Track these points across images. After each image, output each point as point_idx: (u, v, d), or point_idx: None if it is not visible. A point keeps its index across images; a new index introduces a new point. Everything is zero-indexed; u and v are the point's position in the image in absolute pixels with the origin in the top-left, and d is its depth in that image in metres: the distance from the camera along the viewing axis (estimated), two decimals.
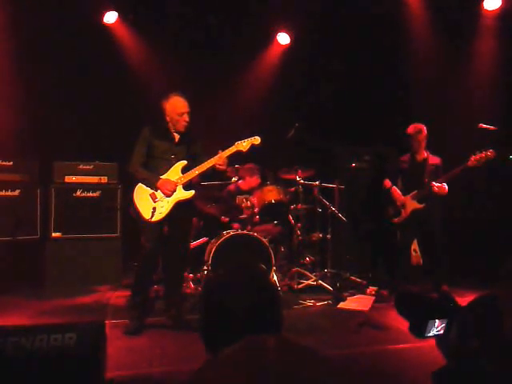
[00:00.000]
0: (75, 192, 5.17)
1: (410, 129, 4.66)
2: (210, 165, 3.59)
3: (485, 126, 4.25)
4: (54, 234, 5.05)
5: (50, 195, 5.08)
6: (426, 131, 4.63)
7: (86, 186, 5.21)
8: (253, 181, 5.16)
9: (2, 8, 5.09)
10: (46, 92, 5.41)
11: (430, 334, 1.13)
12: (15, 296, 4.45)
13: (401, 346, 3.06)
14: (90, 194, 5.21)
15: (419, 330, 1.13)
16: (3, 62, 5.13)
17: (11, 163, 4.98)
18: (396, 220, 4.73)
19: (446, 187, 4.42)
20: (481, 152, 4.20)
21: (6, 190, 4.88)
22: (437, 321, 1.11)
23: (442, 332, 1.13)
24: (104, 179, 5.32)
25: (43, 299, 4.41)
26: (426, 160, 4.67)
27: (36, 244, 5.03)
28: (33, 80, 5.30)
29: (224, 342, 0.97)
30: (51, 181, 5.15)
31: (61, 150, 5.40)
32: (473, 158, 4.23)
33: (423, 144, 4.66)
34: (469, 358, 1.11)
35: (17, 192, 4.96)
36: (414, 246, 4.90)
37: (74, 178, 5.22)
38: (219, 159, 3.58)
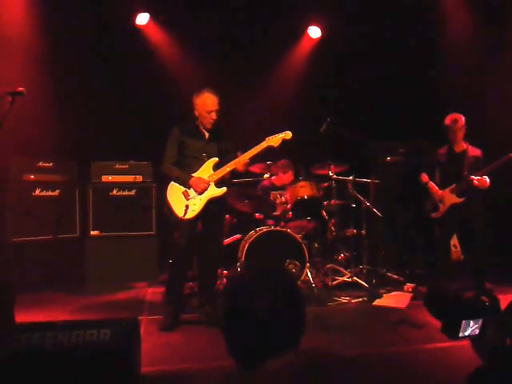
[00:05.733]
0: (111, 191, 5.30)
1: (447, 119, 4.48)
2: (235, 165, 3.61)
3: None
4: (92, 233, 5.20)
5: (87, 194, 5.24)
6: (463, 121, 4.43)
7: (122, 185, 5.33)
8: (286, 177, 5.14)
9: (35, 10, 5.25)
10: (83, 95, 5.56)
11: (464, 335, 1.08)
12: (56, 292, 4.63)
13: (439, 344, 2.96)
14: (126, 193, 5.33)
15: (452, 330, 1.07)
16: (40, 66, 5.30)
17: (51, 164, 5.15)
18: (434, 215, 4.57)
19: (488, 180, 4.23)
20: None
21: (47, 190, 5.06)
22: (471, 321, 1.06)
23: (477, 332, 1.07)
24: (139, 178, 5.42)
25: (83, 295, 4.56)
26: (465, 152, 4.48)
27: (76, 242, 5.20)
28: (69, 83, 5.47)
29: (242, 342, 0.96)
30: (89, 180, 5.31)
31: (98, 151, 5.54)
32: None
33: (461, 135, 4.46)
34: (508, 359, 1.05)
35: (57, 192, 5.13)
36: (454, 241, 4.74)
37: (110, 178, 5.35)
38: (238, 163, 3.60)
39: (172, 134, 3.73)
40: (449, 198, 4.46)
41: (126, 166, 5.43)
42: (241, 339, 0.99)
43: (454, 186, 4.42)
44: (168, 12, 5.93)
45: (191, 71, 5.95)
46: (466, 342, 1.35)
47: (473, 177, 4.23)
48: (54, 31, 5.31)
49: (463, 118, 4.42)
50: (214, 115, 3.64)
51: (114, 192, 5.31)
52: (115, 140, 5.72)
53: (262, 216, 4.94)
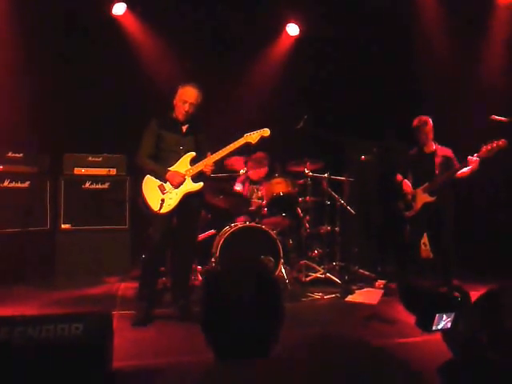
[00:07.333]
0: (84, 184, 5.20)
1: (415, 121, 4.59)
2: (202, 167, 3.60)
3: (497, 117, 4.17)
4: (63, 226, 5.09)
5: (59, 187, 5.11)
6: (431, 123, 4.55)
7: (95, 178, 5.24)
8: (262, 171, 5.14)
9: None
10: (56, 85, 5.42)
11: (437, 328, 1.11)
12: (26, 286, 4.50)
13: (409, 339, 3.04)
14: (99, 186, 5.23)
15: (426, 323, 1.11)
16: (13, 54, 5.14)
17: (22, 155, 5.01)
18: (408, 213, 4.66)
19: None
20: (492, 142, 4.12)
21: (17, 182, 4.92)
22: (444, 315, 1.09)
23: (449, 326, 1.11)
24: (113, 171, 5.33)
25: (53, 290, 4.46)
26: (434, 152, 4.60)
27: (46, 235, 5.07)
28: (43, 73, 5.31)
29: (223, 334, 0.96)
30: (61, 172, 5.18)
31: (70, 143, 5.42)
32: (484, 148, 4.15)
33: (430, 136, 4.57)
34: (478, 352, 1.09)
35: (27, 184, 4.99)
36: (424, 239, 4.84)
37: (83, 170, 5.24)
38: (208, 161, 3.58)
39: (149, 126, 3.68)
40: (421, 196, 4.56)
41: (100, 159, 5.33)
42: (224, 328, 0.99)
43: (426, 185, 4.53)
44: (146, 3, 5.83)
45: (167, 64, 5.88)
46: (435, 337, 1.39)
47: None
48: (26, 19, 5.14)
49: (431, 120, 4.54)
50: (186, 106, 3.59)
51: (87, 185, 5.21)
52: (89, 132, 5.59)
53: (236, 212, 4.94)
